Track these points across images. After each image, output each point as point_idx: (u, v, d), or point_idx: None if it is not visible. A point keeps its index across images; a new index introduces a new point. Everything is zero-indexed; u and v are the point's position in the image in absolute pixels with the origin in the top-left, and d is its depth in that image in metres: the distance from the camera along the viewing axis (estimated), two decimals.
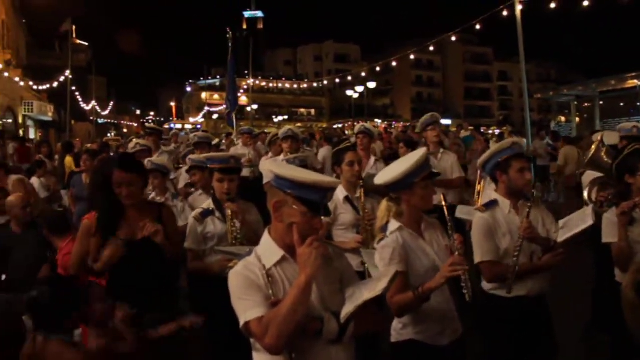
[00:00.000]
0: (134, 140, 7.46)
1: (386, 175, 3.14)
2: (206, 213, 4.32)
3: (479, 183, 6.09)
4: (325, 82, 52.01)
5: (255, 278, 2.31)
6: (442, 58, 78.90)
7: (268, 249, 2.40)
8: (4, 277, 4.98)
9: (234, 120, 10.37)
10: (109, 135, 48.50)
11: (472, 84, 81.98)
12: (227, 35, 11.38)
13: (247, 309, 2.25)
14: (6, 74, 27.74)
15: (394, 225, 3.13)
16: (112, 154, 10.57)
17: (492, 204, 3.68)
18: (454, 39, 20.03)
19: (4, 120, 27.24)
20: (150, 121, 66.20)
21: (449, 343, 3.12)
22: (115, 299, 3.39)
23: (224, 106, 11.83)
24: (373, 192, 5.67)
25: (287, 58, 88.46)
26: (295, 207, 2.30)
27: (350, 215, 4.55)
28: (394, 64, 25.23)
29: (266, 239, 2.45)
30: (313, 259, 2.21)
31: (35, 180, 9.00)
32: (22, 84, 30.38)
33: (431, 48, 23.98)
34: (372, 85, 46.39)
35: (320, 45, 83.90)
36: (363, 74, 34.41)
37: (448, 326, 3.14)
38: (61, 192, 10.75)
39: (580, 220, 3.72)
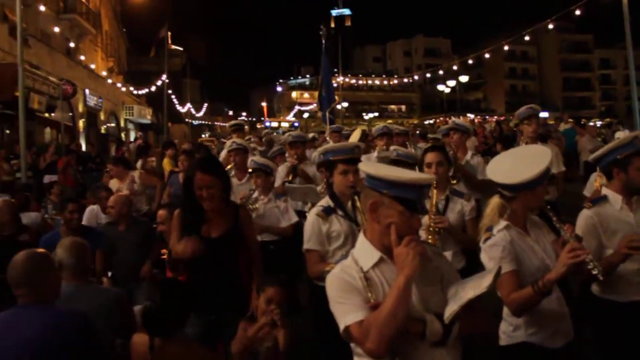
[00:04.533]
0: (232, 139, 7.51)
1: (515, 176, 2.91)
2: (329, 210, 3.89)
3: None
4: (416, 78, 51.24)
5: (353, 281, 2.25)
6: (537, 48, 75.91)
7: (365, 251, 2.33)
8: (110, 273, 5.18)
9: (327, 118, 10.27)
10: (203, 136, 50.13)
11: (570, 73, 78.13)
12: (320, 32, 11.36)
13: (347, 312, 2.19)
14: (110, 81, 29.33)
15: (500, 223, 2.98)
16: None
17: (600, 200, 3.46)
18: (550, 26, 19.14)
19: (108, 124, 28.74)
20: (242, 122, 67.81)
21: (562, 345, 2.93)
22: (193, 297, 3.42)
23: (315, 105, 11.84)
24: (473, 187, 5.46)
25: (376, 54, 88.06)
26: (392, 207, 2.22)
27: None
28: (486, 56, 24.52)
29: (362, 241, 2.38)
30: (411, 259, 2.13)
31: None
32: (123, 89, 32.06)
33: (526, 38, 23.02)
34: (464, 79, 45.28)
35: (409, 40, 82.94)
36: (455, 68, 33.58)
37: (561, 327, 2.95)
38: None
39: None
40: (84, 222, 5.98)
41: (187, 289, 3.36)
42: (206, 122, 66.75)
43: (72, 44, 25.84)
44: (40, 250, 3.10)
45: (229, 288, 3.85)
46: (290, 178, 6.26)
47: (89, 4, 28.87)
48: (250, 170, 5.97)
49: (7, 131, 16.52)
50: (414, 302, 2.22)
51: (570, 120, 19.39)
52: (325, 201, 4.00)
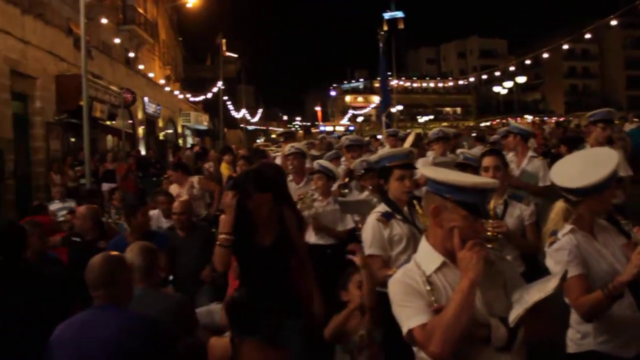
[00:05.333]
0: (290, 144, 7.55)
1: (581, 179, 2.82)
2: (388, 215, 3.85)
3: None
4: (471, 79, 50.46)
5: (415, 284, 2.25)
6: (598, 45, 73.50)
7: (427, 255, 2.33)
8: (171, 277, 5.28)
9: (384, 122, 10.23)
10: (258, 141, 50.75)
11: (635, 71, 75.27)
12: (377, 36, 11.35)
13: (410, 316, 2.19)
14: (167, 89, 30.06)
15: (565, 227, 2.89)
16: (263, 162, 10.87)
17: None
18: (614, 22, 18.50)
19: (166, 131, 29.44)
20: (296, 126, 68.37)
21: (636, 355, 2.81)
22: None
23: (369, 109, 11.85)
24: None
25: (430, 56, 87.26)
26: (455, 212, 2.21)
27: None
28: (545, 55, 23.89)
29: (424, 245, 2.37)
30: (475, 263, 2.12)
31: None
32: (180, 96, 32.77)
33: (587, 35, 22.33)
34: (521, 79, 44.29)
35: (463, 41, 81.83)
36: (512, 69, 32.88)
37: (634, 335, 2.81)
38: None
39: None
40: None
41: (264, 303, 3.40)
42: (261, 127, 67.56)
43: (131, 54, 26.64)
44: (116, 253, 3.20)
45: (284, 293, 3.87)
46: (346, 181, 6.24)
47: (147, 14, 29.72)
48: (312, 172, 6.02)
49: (72, 139, 17.13)
50: (478, 306, 2.20)
51: (635, 119, 18.69)
52: (382, 207, 3.97)
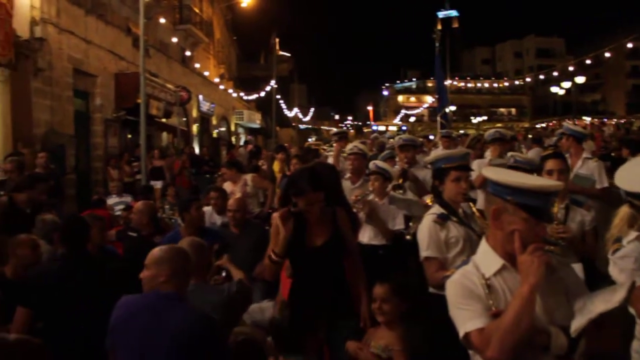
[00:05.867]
0: (353, 142, 7.53)
1: None
2: (444, 216, 3.80)
3: None
4: (528, 80, 49.34)
5: (474, 287, 2.21)
6: None
7: (487, 258, 2.29)
8: (224, 273, 5.35)
9: (439, 122, 10.09)
10: (309, 140, 50.98)
11: None
12: (433, 35, 11.24)
13: (467, 319, 2.16)
14: (222, 87, 30.52)
15: (631, 234, 2.80)
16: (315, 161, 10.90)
17: None
18: None
19: (220, 129, 29.90)
20: (348, 126, 68.36)
21: None
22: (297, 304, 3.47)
23: (421, 109, 11.73)
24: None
25: (484, 56, 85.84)
26: (516, 214, 2.16)
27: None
28: (607, 55, 23.15)
29: (484, 246, 2.33)
30: (536, 268, 2.06)
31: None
32: (234, 95, 33.20)
33: None
34: (580, 79, 43.00)
35: (520, 41, 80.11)
36: (571, 68, 32.00)
37: None
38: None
39: None
40: None
41: (316, 303, 3.42)
42: (312, 127, 67.85)
43: (187, 53, 27.15)
44: (181, 246, 3.28)
45: (337, 294, 3.87)
46: (400, 182, 6.19)
47: (202, 14, 30.22)
48: (368, 172, 6.00)
49: (129, 135, 17.58)
50: (538, 313, 2.14)
51: None
52: (436, 209, 3.92)
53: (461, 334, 2.17)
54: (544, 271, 2.08)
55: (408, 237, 5.24)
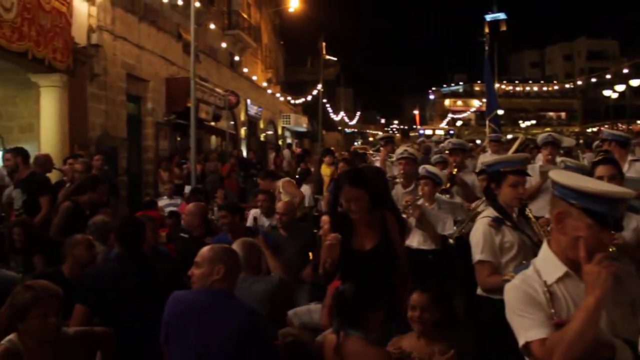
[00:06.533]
0: (402, 146, 7.52)
1: None
2: (499, 220, 3.76)
3: None
4: (579, 83, 48.11)
5: (535, 294, 2.14)
6: None
7: (548, 263, 2.22)
8: (272, 275, 5.42)
9: (487, 126, 9.93)
10: (355, 144, 50.91)
11: None
12: (483, 39, 11.11)
13: (528, 327, 2.09)
14: (269, 91, 30.83)
15: None
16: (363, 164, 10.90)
17: None
18: None
19: (267, 132, 30.19)
20: (394, 130, 68.03)
21: None
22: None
23: (468, 113, 11.60)
24: None
25: (533, 59, 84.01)
26: (580, 219, 2.10)
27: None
28: None
29: (546, 251, 2.26)
30: (603, 279, 1.98)
31: (305, 188, 9.79)
32: (281, 99, 33.49)
33: None
34: (635, 82, 41.70)
35: (570, 43, 78.07)
36: (625, 71, 31.08)
37: None
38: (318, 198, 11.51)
39: None
40: (248, 225, 6.32)
41: (379, 287, 3.42)
42: (358, 130, 67.74)
43: (236, 58, 27.54)
44: (230, 246, 3.38)
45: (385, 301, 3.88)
46: (447, 186, 6.16)
47: (251, 19, 30.62)
48: (419, 177, 6.00)
49: (179, 138, 17.95)
50: (602, 325, 2.07)
51: None
52: (490, 212, 3.88)
53: (521, 342, 2.12)
54: (610, 283, 2.00)
55: (451, 240, 5.19)
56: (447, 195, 5.92)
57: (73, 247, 4.50)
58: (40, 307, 2.87)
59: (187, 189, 11.38)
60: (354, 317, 3.09)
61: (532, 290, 2.15)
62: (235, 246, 3.99)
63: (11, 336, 2.91)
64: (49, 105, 11.25)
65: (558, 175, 2.22)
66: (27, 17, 9.86)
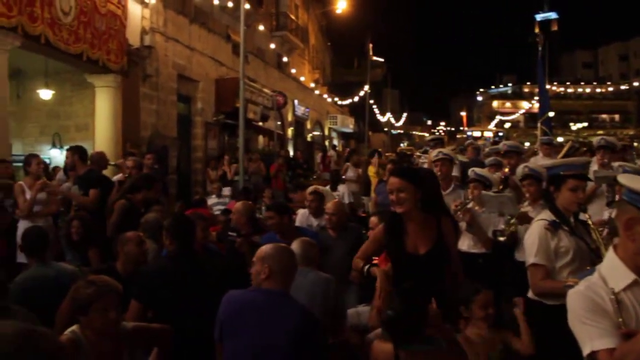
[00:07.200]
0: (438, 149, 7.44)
1: None
2: (556, 224, 3.69)
3: None
4: (635, 84, 46.62)
5: (601, 302, 2.07)
6: None
7: (615, 270, 2.13)
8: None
9: (539, 128, 9.74)
10: (401, 145, 50.60)
11: None
12: (537, 39, 10.92)
13: (594, 337, 2.03)
14: (316, 92, 30.94)
15: None
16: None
17: None
18: None
19: (314, 133, 30.31)
20: (440, 131, 67.33)
21: None
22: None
23: (517, 115, 11.39)
24: None
25: (586, 60, 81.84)
26: None
27: None
28: None
29: (612, 258, 2.18)
30: None
31: (342, 187, 9.82)
32: (328, 99, 33.57)
33: None
34: None
35: (625, 43, 75.70)
36: None
37: None
38: (363, 199, 11.51)
39: None
40: (297, 224, 6.37)
41: (425, 295, 3.40)
42: (404, 132, 67.31)
43: (284, 59, 27.75)
44: (289, 246, 3.40)
45: (438, 302, 3.83)
46: (500, 188, 6.04)
47: (298, 21, 30.81)
48: (467, 180, 5.92)
49: (227, 138, 18.18)
50: None
51: None
52: (547, 215, 3.80)
53: (586, 351, 2.05)
54: None
55: (502, 238, 5.09)
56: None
57: (124, 244, 4.59)
58: (101, 302, 2.95)
59: (226, 190, 11.50)
60: (406, 337, 3.06)
61: (598, 298, 2.09)
62: (294, 245, 4.12)
63: (74, 327, 3.01)
64: (103, 105, 11.59)
65: (629, 181, 2.14)
66: (84, 21, 10.17)
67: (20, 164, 8.22)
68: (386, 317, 3.10)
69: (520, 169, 5.69)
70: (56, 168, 10.94)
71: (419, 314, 3.07)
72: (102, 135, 11.57)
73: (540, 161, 8.69)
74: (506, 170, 6.53)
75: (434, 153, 6.90)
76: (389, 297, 3.60)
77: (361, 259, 4.00)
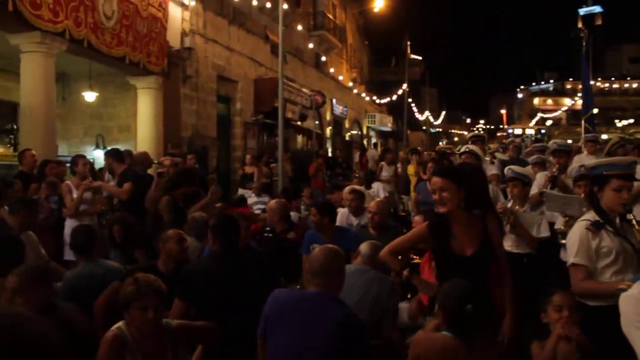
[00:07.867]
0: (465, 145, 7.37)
1: None
2: (598, 224, 3.62)
3: None
4: None
5: None
6: None
7: None
8: None
9: (583, 126, 9.50)
10: (440, 143, 50.14)
11: None
12: (581, 35, 10.66)
13: None
14: (355, 91, 30.91)
15: None
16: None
17: None
18: None
19: (352, 132, 30.27)
20: (480, 129, 66.57)
21: None
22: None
23: (559, 112, 11.14)
24: None
25: (632, 54, 79.60)
26: None
27: None
28: None
29: None
30: None
31: (376, 185, 9.80)
32: (366, 98, 33.49)
33: None
34: None
35: None
36: None
37: None
38: (403, 198, 11.43)
39: None
40: (337, 224, 6.37)
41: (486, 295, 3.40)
42: (442, 130, 66.72)
43: (322, 58, 27.77)
44: (337, 247, 3.36)
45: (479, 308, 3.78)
46: (548, 188, 5.90)
47: (336, 20, 30.78)
48: (506, 178, 5.84)
49: (265, 138, 18.30)
50: None
51: None
52: (591, 215, 3.71)
53: None
54: None
55: (564, 241, 4.96)
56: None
57: (165, 242, 4.63)
58: (141, 301, 2.99)
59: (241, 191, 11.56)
60: (468, 329, 3.06)
61: None
62: (364, 245, 4.56)
63: (120, 323, 3.07)
64: (145, 106, 11.80)
65: None
66: (126, 24, 10.38)
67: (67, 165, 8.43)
68: (462, 312, 3.11)
69: (576, 168, 5.55)
70: (102, 170, 11.18)
71: (483, 311, 3.15)
72: (144, 136, 11.78)
73: (584, 159, 8.49)
74: (554, 169, 6.36)
75: (462, 149, 6.82)
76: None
77: (390, 253, 3.91)
